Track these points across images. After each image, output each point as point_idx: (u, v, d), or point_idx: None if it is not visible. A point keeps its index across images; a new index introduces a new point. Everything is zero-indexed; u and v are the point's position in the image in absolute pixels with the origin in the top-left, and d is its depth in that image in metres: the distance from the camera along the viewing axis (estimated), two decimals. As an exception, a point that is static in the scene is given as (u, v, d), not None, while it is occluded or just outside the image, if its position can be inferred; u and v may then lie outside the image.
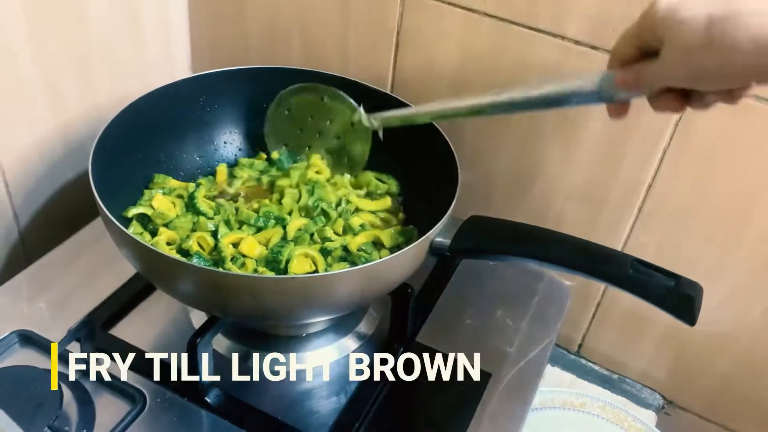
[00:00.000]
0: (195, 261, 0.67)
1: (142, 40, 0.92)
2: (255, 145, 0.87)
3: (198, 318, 0.76)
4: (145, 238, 0.72)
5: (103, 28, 0.85)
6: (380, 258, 0.71)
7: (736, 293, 0.81)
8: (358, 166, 0.80)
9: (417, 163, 0.79)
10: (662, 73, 0.47)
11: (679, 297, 0.55)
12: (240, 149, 0.87)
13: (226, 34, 0.97)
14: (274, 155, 0.84)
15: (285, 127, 0.83)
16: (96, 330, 0.72)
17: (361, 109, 0.76)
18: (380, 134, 0.74)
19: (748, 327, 0.82)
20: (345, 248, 0.73)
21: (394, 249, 0.74)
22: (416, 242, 0.61)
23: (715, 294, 0.80)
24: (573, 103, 0.54)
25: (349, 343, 0.76)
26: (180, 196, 0.77)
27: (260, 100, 0.84)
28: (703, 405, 0.92)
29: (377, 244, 0.75)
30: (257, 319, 0.71)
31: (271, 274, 0.67)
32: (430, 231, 0.62)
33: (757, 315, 0.81)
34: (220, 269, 0.66)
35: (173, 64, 1.00)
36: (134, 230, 0.73)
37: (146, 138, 0.78)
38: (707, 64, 0.43)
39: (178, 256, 0.67)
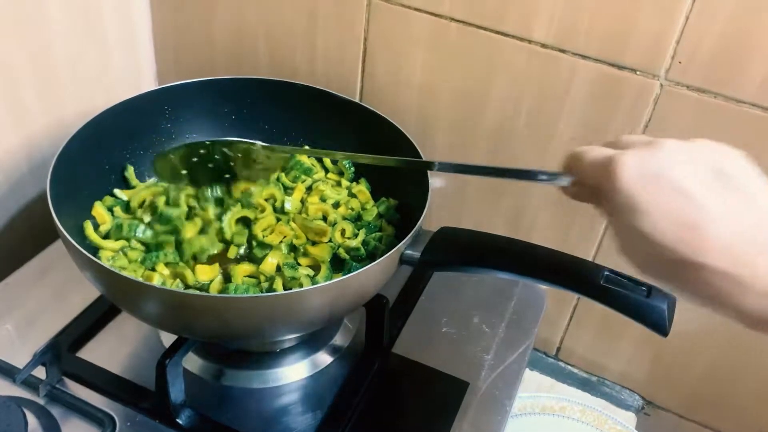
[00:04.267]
0: (157, 281, 0.65)
1: (106, 52, 0.91)
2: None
3: (168, 337, 0.74)
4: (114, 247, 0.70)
5: (66, 40, 0.84)
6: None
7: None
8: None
9: (387, 171, 0.77)
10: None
11: (651, 308, 0.55)
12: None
13: (191, 45, 0.95)
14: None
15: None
16: (63, 353, 0.70)
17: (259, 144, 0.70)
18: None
19: (724, 326, 0.82)
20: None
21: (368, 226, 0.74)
22: (385, 255, 0.59)
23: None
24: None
25: (325, 356, 0.75)
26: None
27: (227, 112, 0.83)
28: (683, 404, 0.92)
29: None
30: (226, 339, 0.69)
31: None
32: (400, 243, 0.61)
33: (732, 313, 0.81)
34: (184, 290, 0.64)
35: (138, 76, 0.98)
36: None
37: (110, 151, 0.76)
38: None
39: (141, 278, 0.65)
